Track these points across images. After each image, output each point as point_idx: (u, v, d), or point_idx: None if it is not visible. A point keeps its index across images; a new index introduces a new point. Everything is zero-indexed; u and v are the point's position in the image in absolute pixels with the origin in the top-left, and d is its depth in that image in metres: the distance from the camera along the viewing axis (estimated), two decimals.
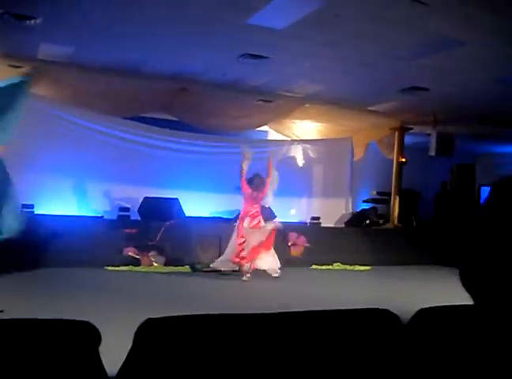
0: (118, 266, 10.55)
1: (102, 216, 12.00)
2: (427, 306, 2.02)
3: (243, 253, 10.06)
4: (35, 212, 11.17)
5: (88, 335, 1.66)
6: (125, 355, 1.72)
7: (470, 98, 11.64)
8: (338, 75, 10.87)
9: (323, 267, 12.55)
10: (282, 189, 10.96)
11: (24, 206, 11.09)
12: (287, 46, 9.11)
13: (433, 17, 7.52)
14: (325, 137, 15.55)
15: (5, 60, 10.14)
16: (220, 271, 10.49)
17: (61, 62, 10.46)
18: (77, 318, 1.72)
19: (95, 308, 6.61)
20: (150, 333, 1.70)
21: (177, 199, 12.33)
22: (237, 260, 10.13)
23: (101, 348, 1.72)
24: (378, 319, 1.97)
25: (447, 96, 11.76)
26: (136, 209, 12.04)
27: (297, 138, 15.30)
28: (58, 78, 11.21)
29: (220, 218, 13.03)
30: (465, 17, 7.47)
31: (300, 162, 15.50)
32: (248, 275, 10.07)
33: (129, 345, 1.74)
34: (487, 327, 1.61)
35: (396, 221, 15.03)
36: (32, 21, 8.41)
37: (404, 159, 15.07)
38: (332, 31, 8.33)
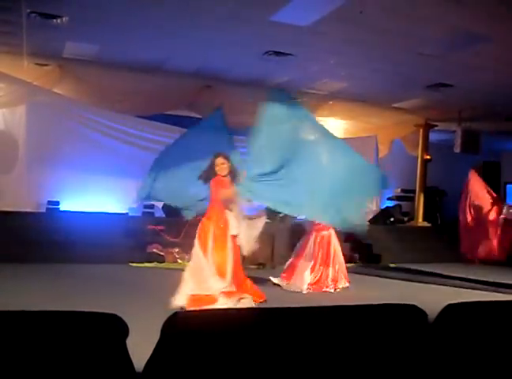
0: (142, 263, 10.57)
1: (126, 213, 12.04)
2: (454, 302, 2.01)
3: None
4: (61, 209, 11.26)
5: (115, 328, 1.67)
6: (152, 348, 1.74)
7: (496, 94, 11.52)
8: (363, 72, 10.81)
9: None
10: None
11: (50, 203, 11.22)
12: (311, 43, 9.08)
13: (459, 14, 7.46)
14: (350, 135, 15.45)
15: (31, 58, 10.25)
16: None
17: (85, 60, 10.54)
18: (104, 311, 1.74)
19: (121, 302, 6.64)
20: (177, 326, 1.71)
21: None
22: None
23: (128, 341, 1.74)
24: (405, 314, 1.97)
25: (473, 93, 11.64)
26: (160, 206, 12.07)
27: None
28: (83, 76, 11.30)
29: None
30: (492, 14, 7.40)
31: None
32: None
33: (155, 338, 1.75)
34: None
35: (421, 219, 14.93)
36: (59, 20, 8.50)
37: (428, 157, 14.97)
38: (356, 27, 8.29)
